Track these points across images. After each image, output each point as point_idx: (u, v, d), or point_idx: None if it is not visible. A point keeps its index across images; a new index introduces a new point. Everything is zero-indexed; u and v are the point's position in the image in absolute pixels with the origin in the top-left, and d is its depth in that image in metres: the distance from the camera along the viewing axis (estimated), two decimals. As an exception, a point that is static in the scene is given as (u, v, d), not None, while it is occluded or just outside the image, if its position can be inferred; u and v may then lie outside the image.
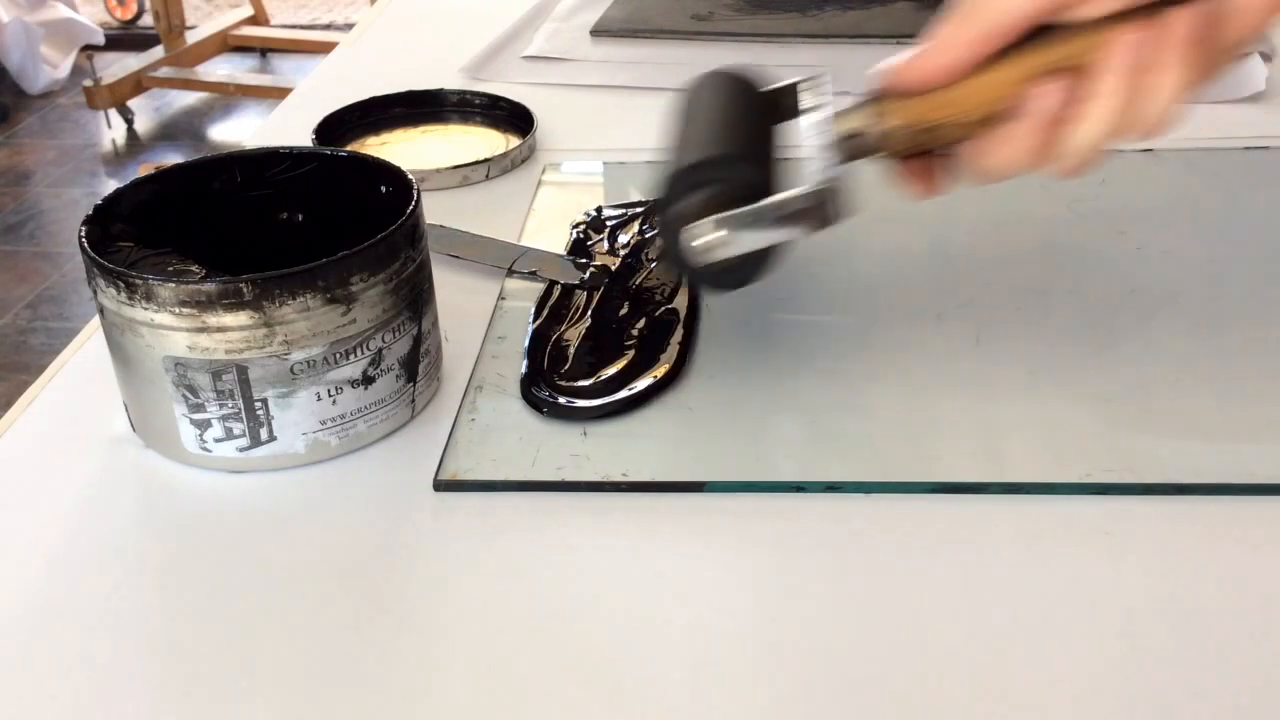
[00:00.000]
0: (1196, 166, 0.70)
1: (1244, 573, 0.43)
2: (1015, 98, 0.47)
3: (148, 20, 3.49)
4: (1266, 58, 0.83)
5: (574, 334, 0.56)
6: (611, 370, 0.53)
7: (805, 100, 0.53)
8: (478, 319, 0.58)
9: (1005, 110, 0.48)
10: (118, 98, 3.11)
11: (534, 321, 0.57)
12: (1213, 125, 0.74)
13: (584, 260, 0.62)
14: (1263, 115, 0.77)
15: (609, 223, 0.65)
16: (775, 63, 0.88)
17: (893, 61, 0.49)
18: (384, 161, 0.56)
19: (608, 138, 0.78)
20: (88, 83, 3.07)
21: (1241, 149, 0.71)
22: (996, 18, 0.47)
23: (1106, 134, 0.47)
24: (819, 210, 0.48)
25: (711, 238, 0.48)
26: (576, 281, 0.60)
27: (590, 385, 0.53)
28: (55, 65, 3.37)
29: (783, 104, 0.54)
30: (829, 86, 0.53)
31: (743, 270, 0.50)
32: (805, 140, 0.50)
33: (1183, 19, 0.45)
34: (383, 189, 0.54)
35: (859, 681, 0.39)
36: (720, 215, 0.48)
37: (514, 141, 0.78)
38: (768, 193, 0.48)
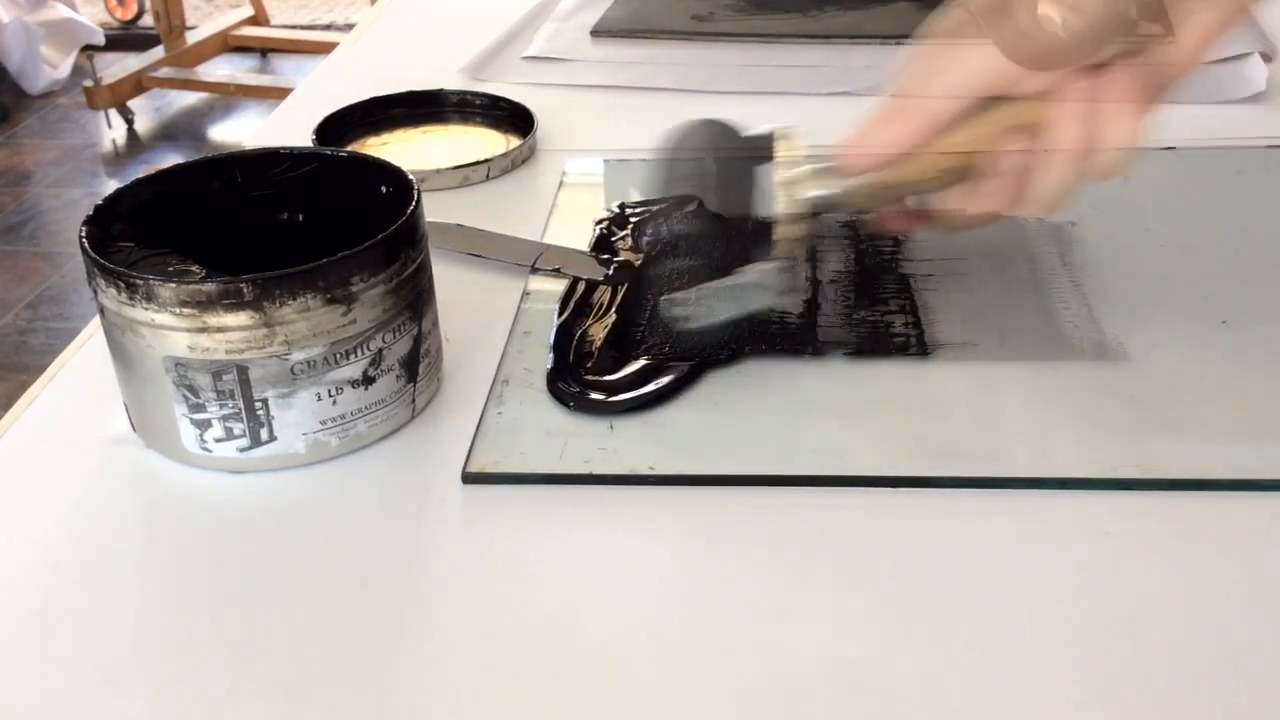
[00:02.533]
0: (1217, 166, 0.70)
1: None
2: (970, 160, 0.49)
3: (148, 20, 3.49)
4: (1267, 58, 0.83)
5: (599, 329, 0.56)
6: (637, 365, 0.54)
7: (779, 149, 0.56)
8: (491, 318, 0.58)
9: (963, 170, 0.50)
10: (118, 98, 3.11)
11: (559, 317, 0.57)
12: (1214, 126, 0.74)
13: (607, 256, 0.62)
14: (1263, 115, 0.77)
15: (632, 219, 0.66)
16: (775, 63, 0.88)
17: (842, 143, 0.51)
18: (384, 162, 0.56)
19: (608, 138, 0.78)
20: (88, 83, 3.07)
21: (1242, 149, 0.71)
22: (934, 112, 0.49)
23: (1071, 181, 0.49)
24: (774, 288, 0.52)
25: (687, 307, 0.53)
26: (601, 278, 0.60)
27: (616, 379, 0.53)
28: (55, 65, 3.37)
29: (762, 148, 0.58)
30: (800, 140, 0.56)
31: (717, 331, 0.54)
32: (773, 199, 0.54)
33: (1123, 73, 0.47)
34: (383, 189, 0.54)
35: (858, 678, 0.39)
36: (693, 289, 0.53)
37: (514, 141, 0.78)
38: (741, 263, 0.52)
